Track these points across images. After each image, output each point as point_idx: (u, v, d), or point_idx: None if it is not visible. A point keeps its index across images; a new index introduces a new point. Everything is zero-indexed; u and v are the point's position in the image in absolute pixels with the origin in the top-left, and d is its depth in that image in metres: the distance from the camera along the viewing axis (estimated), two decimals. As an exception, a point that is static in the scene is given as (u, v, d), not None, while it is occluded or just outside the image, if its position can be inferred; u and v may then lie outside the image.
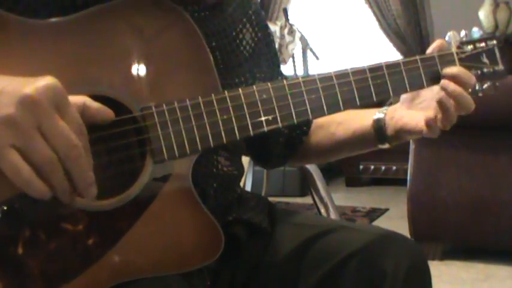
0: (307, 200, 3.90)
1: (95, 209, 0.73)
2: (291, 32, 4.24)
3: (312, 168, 1.29)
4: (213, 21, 0.93)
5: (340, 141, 1.05)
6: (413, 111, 0.96)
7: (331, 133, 1.06)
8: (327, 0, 5.32)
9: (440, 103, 0.90)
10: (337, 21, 5.24)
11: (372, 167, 4.52)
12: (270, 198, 1.12)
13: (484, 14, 4.73)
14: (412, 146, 2.68)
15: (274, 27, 4.20)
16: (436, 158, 2.64)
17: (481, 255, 2.65)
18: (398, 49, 5.01)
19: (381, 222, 3.46)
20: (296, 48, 4.40)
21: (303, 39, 4.40)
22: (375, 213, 3.68)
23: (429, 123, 0.92)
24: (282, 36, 4.19)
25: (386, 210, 3.76)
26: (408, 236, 2.59)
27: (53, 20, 0.75)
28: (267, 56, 1.07)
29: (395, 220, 3.36)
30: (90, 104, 0.70)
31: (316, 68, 4.88)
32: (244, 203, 0.99)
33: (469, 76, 0.91)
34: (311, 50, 4.50)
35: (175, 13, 0.81)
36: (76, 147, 0.66)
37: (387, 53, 5.03)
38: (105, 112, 0.71)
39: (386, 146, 1.00)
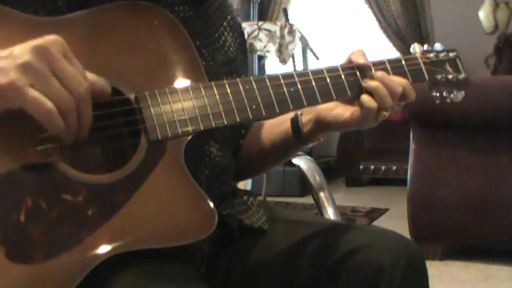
0: (307, 200, 3.91)
1: (93, 182, 0.77)
2: (291, 32, 4.24)
3: (313, 167, 1.28)
4: (196, 22, 0.99)
5: (265, 145, 1.07)
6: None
7: (259, 138, 1.08)
8: (327, 0, 5.32)
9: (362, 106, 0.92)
10: (337, 21, 5.25)
11: (372, 167, 4.53)
12: (270, 198, 1.14)
13: (484, 14, 4.73)
14: (412, 146, 2.68)
15: (274, 27, 4.20)
16: (436, 158, 2.64)
17: (481, 255, 2.65)
18: (398, 49, 5.02)
19: (381, 222, 3.46)
20: (296, 48, 4.41)
21: (303, 39, 4.41)
22: (375, 213, 3.69)
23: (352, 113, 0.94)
24: (282, 36, 4.19)
25: (387, 210, 3.76)
26: (408, 236, 2.59)
27: (53, 17, 0.83)
28: (245, 63, 1.13)
29: (395, 220, 3.37)
30: (88, 74, 0.76)
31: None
32: (239, 203, 1.01)
33: (392, 81, 0.92)
34: (311, 50, 4.51)
35: (161, 14, 0.89)
36: (86, 89, 0.73)
37: (387, 53, 5.03)
38: (102, 82, 0.77)
39: (307, 143, 1.02)
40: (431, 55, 1.01)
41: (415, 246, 0.93)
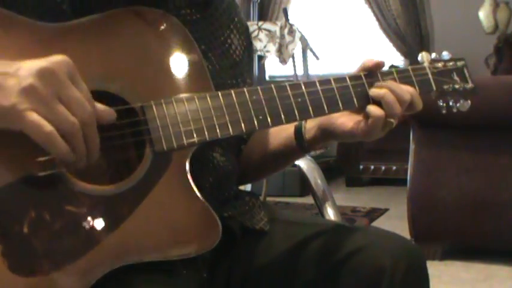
0: (307, 200, 3.90)
1: (97, 193, 0.76)
2: (291, 32, 4.24)
3: (313, 167, 1.28)
4: (202, 25, 0.97)
5: (266, 150, 1.06)
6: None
7: (260, 143, 1.07)
8: (327, 0, 5.32)
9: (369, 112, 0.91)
10: (337, 21, 5.25)
11: (372, 167, 4.53)
12: (270, 198, 1.14)
13: (484, 14, 4.74)
14: (412, 146, 2.68)
15: (274, 27, 4.20)
16: (436, 158, 2.64)
17: (481, 255, 2.65)
18: (398, 49, 5.02)
19: (381, 222, 3.46)
20: (296, 48, 4.41)
21: (303, 39, 4.41)
22: (374, 213, 3.69)
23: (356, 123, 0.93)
24: (282, 36, 4.19)
25: (387, 210, 3.76)
26: (408, 236, 2.59)
27: (60, 24, 0.81)
28: (250, 66, 1.11)
29: (395, 220, 3.37)
30: (96, 104, 0.74)
31: (316, 68, 4.89)
32: (241, 204, 1.00)
33: (400, 88, 0.92)
34: (311, 50, 4.51)
35: (168, 20, 0.88)
36: (91, 114, 0.72)
37: (387, 53, 5.03)
38: (110, 112, 0.76)
39: (309, 151, 1.00)
40: (439, 65, 1.00)
41: (416, 247, 0.93)
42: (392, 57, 5.01)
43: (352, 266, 0.89)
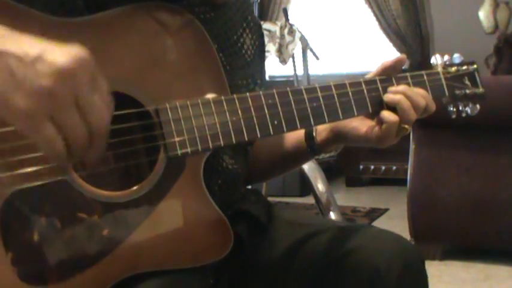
0: (307, 200, 3.90)
1: (109, 200, 0.75)
2: (291, 32, 4.24)
3: (314, 167, 1.28)
4: (216, 24, 0.95)
5: (275, 151, 1.05)
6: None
7: (269, 144, 1.06)
8: (327, 0, 5.32)
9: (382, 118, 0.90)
10: (337, 21, 5.24)
11: (372, 167, 4.53)
12: (270, 198, 1.13)
13: (484, 14, 4.73)
14: (412, 146, 2.68)
15: (274, 27, 4.20)
16: (436, 158, 2.64)
17: (481, 255, 2.65)
18: (399, 49, 5.01)
19: (381, 222, 3.46)
20: (296, 48, 4.40)
21: (303, 39, 4.40)
22: (374, 213, 3.69)
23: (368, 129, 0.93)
24: (282, 36, 4.19)
25: (387, 210, 3.76)
26: (408, 236, 2.59)
27: (74, 19, 0.78)
28: (262, 65, 1.09)
29: (395, 220, 3.37)
30: None
31: (316, 68, 4.88)
32: (245, 198, 1.00)
33: (416, 94, 0.91)
34: (311, 50, 4.50)
35: (186, 18, 0.85)
36: (106, 125, 0.66)
37: (387, 53, 5.03)
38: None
39: (319, 153, 1.00)
40: (453, 69, 0.99)
41: (413, 248, 0.91)
42: (392, 57, 5.00)
43: (347, 267, 0.88)
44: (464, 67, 1.00)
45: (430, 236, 2.67)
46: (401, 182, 3.20)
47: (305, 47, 4.48)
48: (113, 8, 0.80)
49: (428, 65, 1.01)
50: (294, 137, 1.01)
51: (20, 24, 0.71)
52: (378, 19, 5.01)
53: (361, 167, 4.55)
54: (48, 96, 0.62)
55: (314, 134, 0.98)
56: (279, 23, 4.26)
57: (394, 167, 4.41)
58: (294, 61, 4.53)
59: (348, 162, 4.54)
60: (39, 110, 0.62)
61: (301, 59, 4.60)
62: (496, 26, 4.72)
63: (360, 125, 0.93)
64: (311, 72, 4.71)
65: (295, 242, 0.95)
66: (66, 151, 0.65)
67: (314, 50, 4.51)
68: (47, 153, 0.65)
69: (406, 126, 0.89)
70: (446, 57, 1.00)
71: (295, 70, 4.58)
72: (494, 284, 2.41)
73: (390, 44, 5.03)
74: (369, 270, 0.86)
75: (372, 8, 5.01)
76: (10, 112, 0.62)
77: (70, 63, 0.62)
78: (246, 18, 1.04)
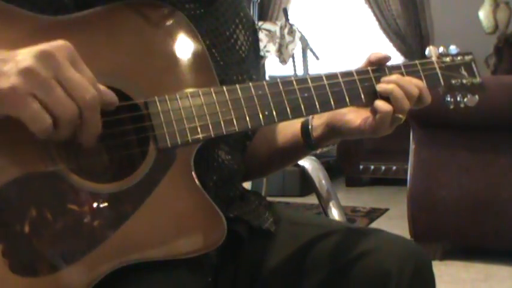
0: (307, 200, 3.91)
1: (100, 191, 0.75)
2: (291, 32, 4.25)
3: (317, 167, 1.28)
4: (207, 20, 0.95)
5: (272, 147, 1.05)
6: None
7: (267, 139, 1.06)
8: (327, 0, 5.32)
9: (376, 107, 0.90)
10: (337, 21, 5.25)
11: (372, 167, 4.53)
12: (270, 198, 1.12)
13: (484, 14, 4.73)
14: (412, 146, 2.68)
15: (274, 27, 4.21)
16: (436, 158, 2.64)
17: (481, 255, 2.65)
18: (399, 49, 5.02)
19: (381, 222, 3.46)
20: (296, 48, 4.41)
21: (303, 39, 4.41)
22: (374, 213, 3.69)
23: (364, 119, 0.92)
24: (282, 36, 4.20)
25: (387, 210, 3.76)
26: (408, 236, 2.59)
27: (62, 16, 0.79)
28: (257, 61, 1.09)
29: (395, 220, 3.37)
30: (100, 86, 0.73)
31: (316, 68, 4.88)
32: (246, 204, 0.99)
33: (408, 83, 0.91)
34: (311, 50, 4.51)
35: (172, 13, 0.86)
36: (94, 97, 0.69)
37: (387, 53, 5.02)
38: (110, 95, 0.74)
39: (315, 148, 0.99)
40: (447, 59, 0.99)
41: (423, 251, 0.92)
42: (392, 57, 5.00)
43: (358, 270, 0.87)
44: (460, 57, 1.00)
45: (430, 236, 2.67)
46: (401, 182, 3.20)
47: (305, 47, 4.48)
48: (101, 5, 0.81)
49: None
50: (291, 131, 1.01)
51: (7, 22, 0.74)
52: (378, 19, 5.01)
53: (361, 167, 4.56)
54: (29, 75, 0.66)
55: (310, 130, 0.98)
56: (279, 23, 4.27)
57: (394, 167, 4.41)
58: (294, 61, 4.54)
59: (348, 162, 4.54)
60: (22, 87, 0.65)
61: (301, 59, 4.60)
62: (496, 26, 4.72)
63: (355, 117, 0.92)
64: (311, 72, 4.72)
65: (304, 242, 0.94)
66: (53, 125, 0.67)
67: (314, 50, 4.51)
68: (34, 128, 0.67)
69: (400, 115, 0.89)
70: (441, 49, 1.00)
71: (295, 70, 4.58)
72: (494, 284, 2.41)
73: (390, 44, 5.03)
74: (381, 274, 0.85)
75: (372, 8, 5.01)
76: None
77: (47, 46, 0.68)
78: (238, 14, 1.03)
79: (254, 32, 1.08)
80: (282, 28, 4.19)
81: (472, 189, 2.56)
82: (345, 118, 0.93)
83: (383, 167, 4.48)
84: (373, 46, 5.09)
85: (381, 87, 0.90)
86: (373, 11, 5.02)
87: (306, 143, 0.98)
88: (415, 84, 0.91)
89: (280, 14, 5.26)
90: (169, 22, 0.85)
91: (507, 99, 2.43)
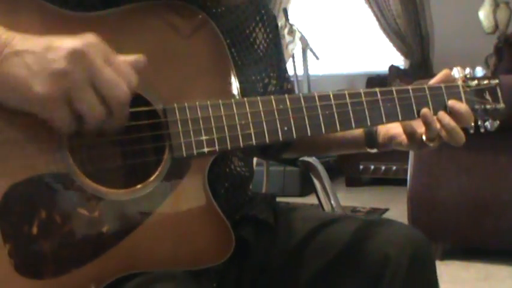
0: (307, 200, 3.90)
1: (111, 197, 0.74)
2: (291, 32, 4.25)
3: (318, 168, 1.28)
4: (227, 18, 0.94)
5: (331, 139, 1.06)
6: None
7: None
8: (327, 0, 5.32)
9: (426, 123, 0.92)
10: (337, 21, 5.24)
11: (372, 167, 4.53)
12: (269, 199, 1.12)
13: (484, 14, 4.73)
14: (412, 146, 2.68)
15: (274, 27, 4.20)
16: (436, 158, 2.64)
17: (481, 255, 2.65)
18: (399, 49, 5.02)
19: (381, 222, 3.46)
20: (296, 48, 4.40)
21: (303, 39, 4.40)
22: (374, 213, 3.69)
23: (410, 135, 0.94)
24: (282, 36, 4.19)
25: (387, 210, 3.76)
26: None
27: (87, 13, 0.78)
28: (277, 56, 1.08)
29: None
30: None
31: (316, 68, 4.88)
32: (251, 201, 1.00)
33: (470, 116, 0.94)
34: (311, 50, 4.50)
35: (200, 18, 0.84)
36: (126, 95, 0.69)
37: (387, 53, 5.03)
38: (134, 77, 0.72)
39: (374, 150, 1.02)
40: (473, 83, 0.97)
41: (422, 236, 0.92)
42: (392, 57, 5.01)
43: (356, 255, 0.88)
44: (485, 81, 0.98)
45: (430, 236, 2.63)
46: (402, 182, 3.20)
47: (305, 47, 4.48)
48: (127, 4, 0.80)
49: (428, 65, 1.00)
50: (356, 132, 1.02)
51: (35, 16, 0.73)
52: (378, 19, 5.01)
53: (361, 167, 4.55)
54: (64, 77, 0.65)
55: (375, 136, 1.00)
56: (279, 23, 4.26)
57: (394, 167, 4.41)
58: (294, 61, 4.53)
59: (348, 162, 4.54)
60: (57, 91, 0.65)
61: (301, 59, 4.60)
62: (496, 26, 4.72)
63: (397, 134, 0.95)
64: (311, 72, 4.72)
65: (304, 235, 0.95)
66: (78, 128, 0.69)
67: (314, 50, 4.51)
68: (60, 131, 0.69)
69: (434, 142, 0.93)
70: (468, 70, 0.98)
71: (295, 70, 4.58)
72: (494, 283, 2.41)
73: (390, 44, 5.03)
74: (379, 258, 0.86)
75: (372, 8, 5.01)
76: (30, 100, 0.66)
77: (78, 44, 0.66)
78: (259, 12, 1.03)
79: (275, 28, 1.07)
80: (282, 28, 4.18)
81: (472, 189, 2.56)
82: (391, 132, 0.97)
83: (383, 167, 4.48)
84: (373, 46, 5.09)
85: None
86: (373, 11, 5.01)
87: (369, 145, 1.01)
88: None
89: (280, 14, 5.26)
90: (195, 27, 0.83)
91: (507, 99, 2.42)
